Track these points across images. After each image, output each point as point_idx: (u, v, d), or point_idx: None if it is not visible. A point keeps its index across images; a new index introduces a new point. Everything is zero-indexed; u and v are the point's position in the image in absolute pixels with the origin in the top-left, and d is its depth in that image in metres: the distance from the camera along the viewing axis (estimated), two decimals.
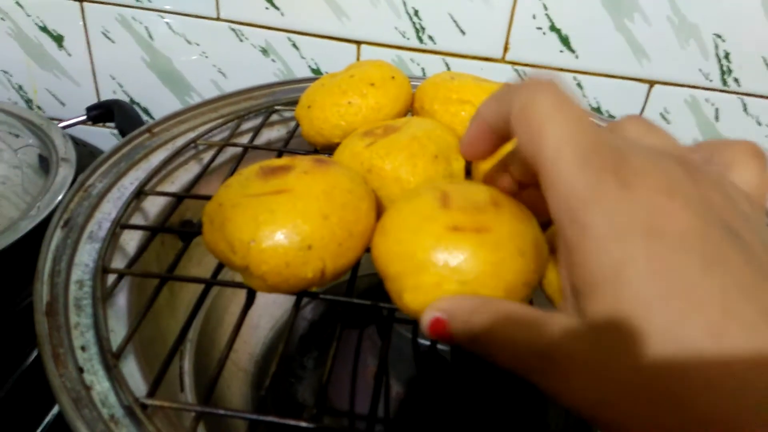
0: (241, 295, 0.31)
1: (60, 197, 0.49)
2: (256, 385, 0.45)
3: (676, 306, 0.17)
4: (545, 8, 0.59)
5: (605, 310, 0.18)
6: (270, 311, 0.50)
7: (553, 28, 0.60)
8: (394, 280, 0.27)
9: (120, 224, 0.36)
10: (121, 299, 0.33)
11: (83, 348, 0.28)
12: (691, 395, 0.16)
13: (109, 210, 0.37)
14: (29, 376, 0.47)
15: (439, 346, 0.38)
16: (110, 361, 0.28)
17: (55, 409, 0.47)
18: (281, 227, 0.27)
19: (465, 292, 0.26)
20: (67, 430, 0.25)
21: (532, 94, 0.21)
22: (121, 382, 0.27)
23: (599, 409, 0.18)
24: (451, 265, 0.26)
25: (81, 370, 0.27)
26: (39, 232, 0.46)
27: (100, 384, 0.27)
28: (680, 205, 0.18)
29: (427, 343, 0.38)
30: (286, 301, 0.49)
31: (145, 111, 0.71)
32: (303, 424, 0.25)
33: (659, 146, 0.22)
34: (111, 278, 0.33)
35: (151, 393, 0.27)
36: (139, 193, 0.38)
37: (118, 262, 0.34)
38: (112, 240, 0.35)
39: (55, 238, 0.33)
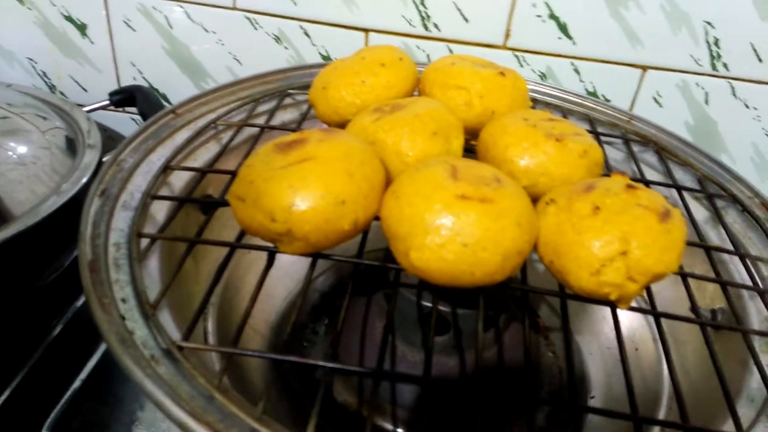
0: (257, 266, 0.34)
1: (86, 179, 0.52)
2: (272, 348, 0.49)
3: None
4: None
5: None
6: (284, 283, 0.54)
7: (552, 15, 0.62)
8: (402, 239, 0.30)
9: (150, 195, 0.39)
10: (153, 261, 0.37)
11: (123, 300, 0.32)
12: None
13: (139, 183, 0.40)
14: (57, 345, 0.51)
15: (441, 308, 0.42)
16: (148, 311, 0.31)
17: (84, 374, 0.50)
18: (316, 189, 0.30)
19: (466, 254, 0.29)
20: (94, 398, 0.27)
21: None
22: (159, 328, 0.30)
23: None
24: (456, 229, 0.29)
25: (123, 318, 0.30)
26: (66, 210, 0.49)
27: (140, 330, 0.30)
28: None
29: (430, 305, 0.42)
30: (297, 272, 0.53)
31: (164, 97, 0.74)
32: (320, 363, 0.29)
33: None
34: (143, 242, 0.36)
35: (186, 337, 0.30)
36: (166, 168, 0.42)
37: (149, 229, 0.38)
38: (143, 209, 0.38)
39: (93, 205, 0.37)
